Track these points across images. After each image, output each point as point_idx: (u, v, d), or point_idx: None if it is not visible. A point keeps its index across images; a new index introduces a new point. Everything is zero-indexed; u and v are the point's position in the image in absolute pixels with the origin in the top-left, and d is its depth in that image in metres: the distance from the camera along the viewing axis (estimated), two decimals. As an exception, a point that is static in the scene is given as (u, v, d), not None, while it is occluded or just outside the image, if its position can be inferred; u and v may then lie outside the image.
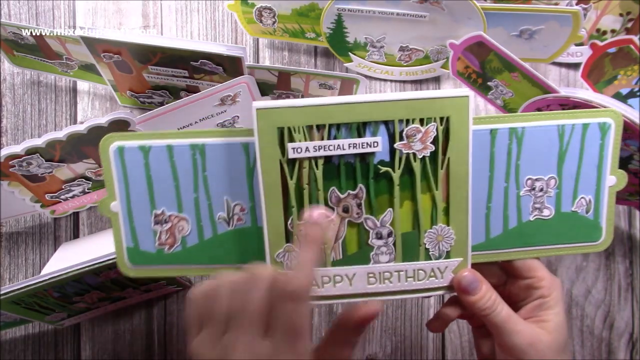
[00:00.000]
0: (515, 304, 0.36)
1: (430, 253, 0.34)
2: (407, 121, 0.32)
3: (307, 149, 0.32)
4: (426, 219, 0.34)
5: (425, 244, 0.34)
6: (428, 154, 0.33)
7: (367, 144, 0.32)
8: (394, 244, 0.34)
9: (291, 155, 0.32)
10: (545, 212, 0.35)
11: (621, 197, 0.48)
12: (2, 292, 0.40)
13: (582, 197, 0.35)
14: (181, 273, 0.35)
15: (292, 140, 0.32)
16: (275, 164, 0.33)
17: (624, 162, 0.44)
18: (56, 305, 0.44)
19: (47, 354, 0.52)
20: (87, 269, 0.40)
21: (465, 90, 0.32)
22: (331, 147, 0.32)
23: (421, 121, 0.32)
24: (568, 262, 0.54)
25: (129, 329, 0.52)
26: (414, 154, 0.33)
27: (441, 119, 0.32)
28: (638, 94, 0.45)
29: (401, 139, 0.33)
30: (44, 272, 0.43)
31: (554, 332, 0.33)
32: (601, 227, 0.35)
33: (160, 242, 0.35)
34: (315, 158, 0.33)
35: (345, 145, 0.32)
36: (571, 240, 0.35)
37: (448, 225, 0.34)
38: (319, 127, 0.32)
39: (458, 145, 0.33)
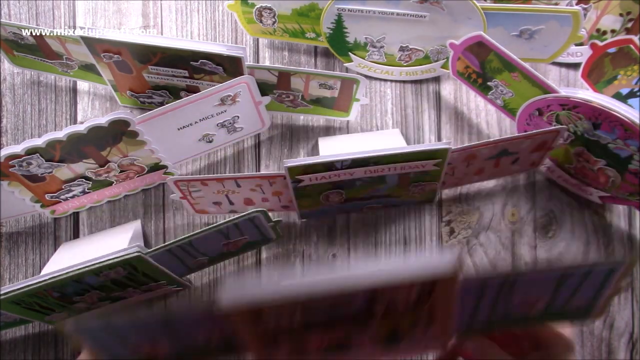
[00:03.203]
0: None
1: None
2: None
3: None
4: None
5: None
6: None
7: None
8: None
9: None
10: None
11: (621, 197, 0.48)
12: (2, 292, 0.40)
13: None
14: None
15: None
16: None
17: (624, 162, 0.44)
18: (56, 305, 0.44)
19: (47, 354, 0.52)
20: (87, 269, 0.40)
21: None
22: None
23: None
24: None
25: (129, 329, 0.52)
26: None
27: None
28: (638, 94, 0.45)
29: None
30: (44, 272, 0.43)
31: None
32: None
33: None
34: None
35: None
36: None
37: None
38: None
39: None
